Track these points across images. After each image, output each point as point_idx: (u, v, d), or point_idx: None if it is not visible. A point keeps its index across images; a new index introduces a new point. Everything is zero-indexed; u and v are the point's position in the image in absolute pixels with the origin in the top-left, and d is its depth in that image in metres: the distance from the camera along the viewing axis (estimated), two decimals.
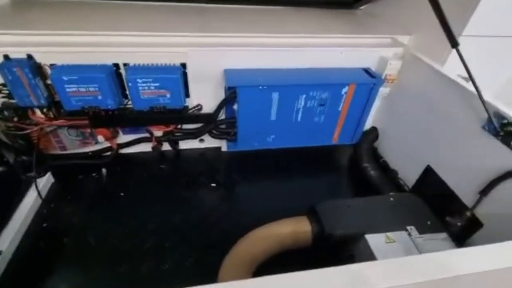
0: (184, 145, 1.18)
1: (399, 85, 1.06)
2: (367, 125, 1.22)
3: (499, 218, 0.74)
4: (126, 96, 0.94)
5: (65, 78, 0.82)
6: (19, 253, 0.81)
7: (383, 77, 1.03)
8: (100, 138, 1.00)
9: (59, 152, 1.04)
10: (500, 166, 0.72)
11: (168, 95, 0.90)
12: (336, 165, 1.20)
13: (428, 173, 0.95)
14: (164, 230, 0.88)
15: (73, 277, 0.77)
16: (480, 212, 0.78)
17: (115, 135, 1.05)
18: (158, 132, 1.09)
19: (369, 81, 0.99)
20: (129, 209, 0.94)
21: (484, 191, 0.75)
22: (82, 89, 0.84)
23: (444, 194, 0.88)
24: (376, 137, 1.22)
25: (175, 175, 1.09)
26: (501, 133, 0.70)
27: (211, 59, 0.95)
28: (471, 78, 0.75)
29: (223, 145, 1.19)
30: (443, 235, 0.77)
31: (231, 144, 1.10)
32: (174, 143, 1.15)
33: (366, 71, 1.04)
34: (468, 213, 0.79)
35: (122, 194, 0.99)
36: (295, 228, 0.79)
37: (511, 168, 0.70)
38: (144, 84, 0.85)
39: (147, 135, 1.07)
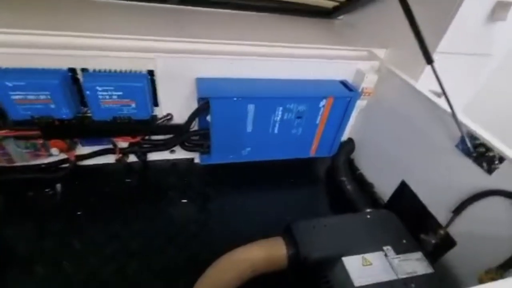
0: (153, 155, 1.10)
1: (376, 98, 1.06)
2: (344, 136, 1.21)
3: (471, 237, 0.74)
4: (85, 104, 0.84)
5: (10, 84, 0.71)
6: None
7: (360, 90, 1.02)
8: (55, 150, 0.89)
9: (5, 164, 0.92)
10: (473, 186, 0.72)
11: (133, 105, 0.82)
12: (313, 178, 1.17)
13: (403, 188, 0.95)
14: (125, 254, 0.80)
15: None
16: (454, 230, 0.78)
17: (72, 147, 0.94)
18: (123, 143, 1.00)
19: (346, 94, 0.98)
20: (86, 231, 0.84)
21: (457, 210, 0.75)
22: (31, 97, 0.74)
23: (419, 210, 0.88)
24: (353, 148, 1.22)
25: (141, 190, 1.00)
26: (474, 154, 0.71)
27: (181, 66, 0.88)
28: (445, 96, 0.75)
29: (196, 156, 1.12)
30: (418, 254, 0.76)
31: (204, 157, 1.03)
32: (142, 155, 1.06)
33: (343, 83, 1.03)
34: (442, 231, 0.79)
35: (79, 213, 0.89)
36: (269, 251, 0.74)
37: (482, 188, 0.70)
38: (105, 93, 0.77)
39: (110, 146, 0.98)
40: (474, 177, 0.71)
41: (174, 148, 1.08)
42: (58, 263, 0.76)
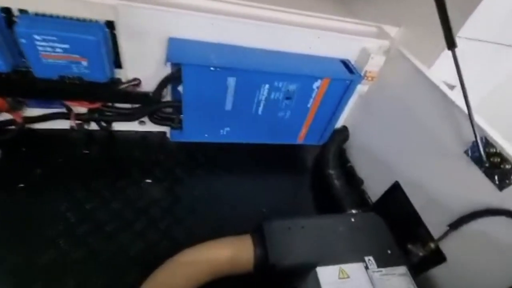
0: (120, 125, 0.96)
1: (379, 84, 0.92)
2: (338, 123, 1.09)
3: (465, 256, 0.65)
4: None
5: None
6: None
7: (362, 73, 0.88)
8: None
9: None
10: (478, 200, 0.62)
11: (84, 63, 0.66)
12: (298, 168, 1.06)
13: (396, 190, 0.85)
14: (69, 241, 0.69)
15: None
16: (446, 245, 0.69)
17: (16, 107, 0.79)
18: (81, 108, 0.85)
19: (346, 77, 0.83)
20: (26, 209, 0.72)
21: (454, 225, 0.66)
22: None
23: (410, 217, 0.78)
24: (346, 137, 1.10)
25: (101, 165, 0.87)
26: (486, 164, 0.59)
27: (151, 21, 0.72)
28: (463, 91, 0.62)
29: (168, 130, 0.99)
30: (403, 269, 0.67)
31: (175, 133, 0.90)
32: (105, 124, 0.92)
33: (344, 63, 0.88)
34: (432, 245, 0.70)
35: (21, 185, 0.76)
36: (235, 252, 0.64)
37: (489, 205, 0.60)
38: (45, 44, 0.61)
39: (63, 110, 0.83)
40: (481, 191, 0.61)
41: (144, 119, 0.94)
42: None
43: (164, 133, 1.00)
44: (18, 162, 0.81)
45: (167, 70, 0.80)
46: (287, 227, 0.68)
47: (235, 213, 0.84)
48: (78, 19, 0.66)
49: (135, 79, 0.82)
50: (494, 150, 0.59)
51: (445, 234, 0.67)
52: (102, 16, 0.67)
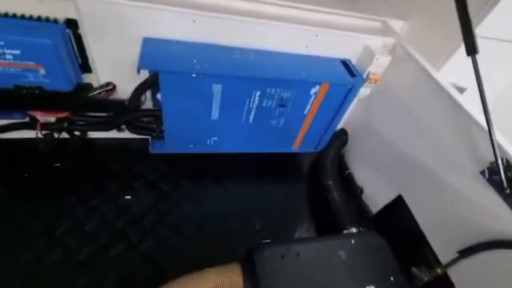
0: (97, 132, 0.86)
1: (383, 87, 0.83)
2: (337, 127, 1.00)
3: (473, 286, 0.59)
4: None
5: None
6: None
7: (365, 75, 0.79)
8: None
9: None
10: (494, 229, 0.55)
11: (41, 71, 0.56)
12: (293, 177, 0.98)
13: (399, 204, 0.78)
14: (38, 272, 0.61)
15: None
16: (454, 273, 0.63)
17: None
18: (49, 117, 0.75)
19: (347, 81, 0.74)
20: None
21: (465, 252, 0.59)
22: None
23: (414, 236, 0.72)
24: (345, 142, 1.02)
25: (74, 179, 0.78)
26: (507, 190, 0.52)
27: (122, 18, 0.61)
28: (483, 104, 0.53)
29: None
30: None
31: (156, 144, 0.80)
32: (78, 133, 0.82)
33: (345, 64, 0.79)
34: (439, 270, 0.64)
35: None
36: (222, 283, 0.57)
37: (508, 236, 0.53)
38: None
39: (26, 120, 0.73)
40: (499, 219, 0.54)
41: (122, 126, 0.85)
42: None
43: (147, 140, 0.90)
44: None
45: (145, 74, 0.70)
46: (281, 254, 0.61)
47: (226, 231, 0.77)
48: (31, 18, 0.55)
49: (108, 84, 0.72)
50: None
51: (454, 261, 0.61)
52: (60, 13, 0.57)
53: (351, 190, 0.95)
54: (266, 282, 0.56)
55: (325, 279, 0.59)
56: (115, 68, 0.70)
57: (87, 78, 0.69)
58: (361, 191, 0.94)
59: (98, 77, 0.70)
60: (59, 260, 0.64)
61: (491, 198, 0.55)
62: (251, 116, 0.76)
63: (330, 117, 0.83)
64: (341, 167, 1.00)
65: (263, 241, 0.63)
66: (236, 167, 0.92)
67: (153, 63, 0.60)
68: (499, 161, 0.52)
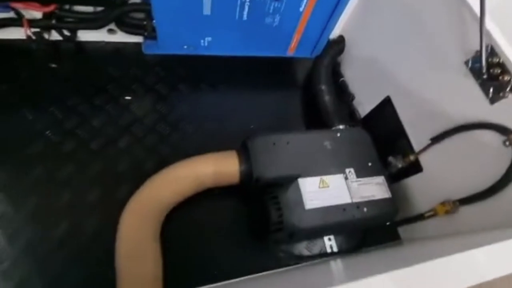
0: (87, 35, 0.84)
1: None
2: (333, 33, 0.98)
3: (440, 168, 0.68)
4: None
5: None
6: None
7: None
8: None
9: None
10: (467, 114, 0.60)
11: None
12: (288, 83, 0.99)
13: (386, 105, 0.82)
14: (53, 159, 0.68)
15: None
16: (424, 157, 0.71)
17: None
18: (36, 13, 0.73)
19: None
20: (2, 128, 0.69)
21: (437, 138, 0.66)
22: None
23: (395, 132, 0.79)
24: (342, 49, 1.00)
25: (72, 80, 0.80)
26: (484, 75, 0.55)
27: None
28: None
29: (143, 41, 0.88)
30: (380, 179, 0.71)
31: (149, 44, 0.79)
32: (68, 32, 0.80)
33: None
34: (412, 157, 0.73)
35: None
36: (220, 166, 0.65)
37: (477, 119, 0.58)
38: None
39: (12, 15, 0.71)
40: (472, 104, 0.59)
41: (113, 27, 0.83)
42: None
43: (139, 44, 0.89)
44: None
45: None
46: (272, 142, 0.68)
47: (222, 130, 0.83)
48: None
49: None
50: (497, 60, 0.54)
51: (427, 147, 0.69)
52: None
53: (343, 97, 0.99)
54: (258, 163, 0.64)
55: (310, 162, 0.68)
56: None
57: None
58: (353, 97, 0.98)
59: None
60: (73, 149, 0.70)
61: (469, 85, 0.58)
62: (245, 13, 0.73)
63: (327, 16, 0.80)
64: (336, 75, 1.02)
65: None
66: (231, 73, 0.93)
67: None
68: (483, 48, 0.54)
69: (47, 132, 0.71)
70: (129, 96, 0.81)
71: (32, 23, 0.72)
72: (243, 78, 0.94)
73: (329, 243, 0.75)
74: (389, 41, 0.81)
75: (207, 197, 0.68)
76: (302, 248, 0.73)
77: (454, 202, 0.62)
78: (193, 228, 0.68)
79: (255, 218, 0.72)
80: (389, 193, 0.69)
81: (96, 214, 0.65)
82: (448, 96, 0.64)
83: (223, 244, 0.69)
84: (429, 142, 0.68)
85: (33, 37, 0.74)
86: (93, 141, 0.73)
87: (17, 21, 0.71)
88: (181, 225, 0.66)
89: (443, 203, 0.64)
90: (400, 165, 0.75)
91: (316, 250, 0.74)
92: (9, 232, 0.60)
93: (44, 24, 0.73)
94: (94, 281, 0.58)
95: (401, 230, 0.80)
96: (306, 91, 0.99)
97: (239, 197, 0.75)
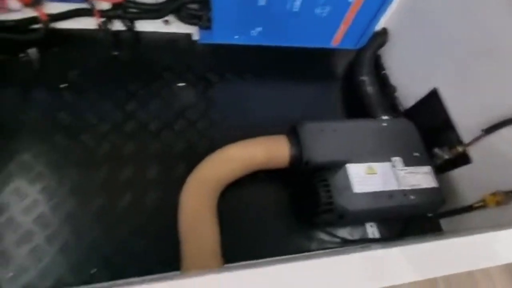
0: (144, 25, 0.91)
1: None
2: (377, 25, 0.98)
3: (490, 159, 0.68)
4: None
5: None
6: None
7: None
8: (14, 3, 0.71)
9: None
10: None
11: None
12: (331, 74, 1.01)
13: (432, 97, 0.82)
14: (119, 135, 0.75)
15: None
16: (474, 149, 0.71)
17: (38, 1, 0.75)
18: (104, 4, 0.80)
19: None
20: (74, 107, 0.77)
21: (489, 129, 0.66)
22: None
23: (442, 123, 0.78)
24: (384, 42, 1.00)
25: (132, 67, 0.87)
26: None
27: None
28: None
29: (194, 32, 0.93)
30: (427, 168, 0.72)
31: (204, 34, 0.84)
32: (129, 22, 0.87)
33: None
34: (460, 149, 0.72)
35: (62, 86, 0.79)
36: (271, 149, 0.69)
37: None
38: None
39: (85, 5, 0.78)
40: None
41: (168, 18, 0.88)
42: (50, 136, 0.72)
43: (189, 35, 0.94)
44: (53, 63, 0.81)
45: None
46: (320, 129, 0.70)
47: (267, 118, 0.86)
48: None
49: None
50: None
51: (477, 139, 0.69)
52: None
53: (385, 89, 0.99)
54: (308, 147, 0.67)
55: (357, 149, 0.70)
56: None
57: None
58: (395, 90, 0.98)
59: None
60: (135, 129, 0.77)
61: None
62: (298, 3, 0.76)
63: (377, 8, 0.81)
64: (377, 68, 1.02)
65: None
66: (275, 62, 0.96)
67: None
68: None
69: (112, 113, 0.78)
70: (183, 82, 0.87)
71: (101, 13, 0.79)
72: (286, 68, 0.97)
73: (371, 229, 0.77)
74: (437, 31, 0.80)
75: (252, 181, 0.73)
76: (345, 233, 0.76)
77: (506, 193, 0.62)
78: (239, 209, 0.72)
79: (300, 202, 0.75)
80: (437, 182, 0.70)
81: (156, 190, 0.71)
82: (501, 86, 0.64)
83: (267, 224, 0.73)
84: (481, 133, 0.68)
85: (102, 27, 0.81)
86: (151, 124, 0.79)
87: (89, 11, 0.78)
88: (229, 206, 0.70)
89: (493, 194, 0.64)
90: (446, 157, 0.75)
91: (357, 235, 0.76)
92: (81, 200, 0.67)
93: (112, 14, 0.80)
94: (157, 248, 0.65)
95: (444, 222, 0.80)
96: (346, 82, 1.00)
97: (282, 182, 0.78)
